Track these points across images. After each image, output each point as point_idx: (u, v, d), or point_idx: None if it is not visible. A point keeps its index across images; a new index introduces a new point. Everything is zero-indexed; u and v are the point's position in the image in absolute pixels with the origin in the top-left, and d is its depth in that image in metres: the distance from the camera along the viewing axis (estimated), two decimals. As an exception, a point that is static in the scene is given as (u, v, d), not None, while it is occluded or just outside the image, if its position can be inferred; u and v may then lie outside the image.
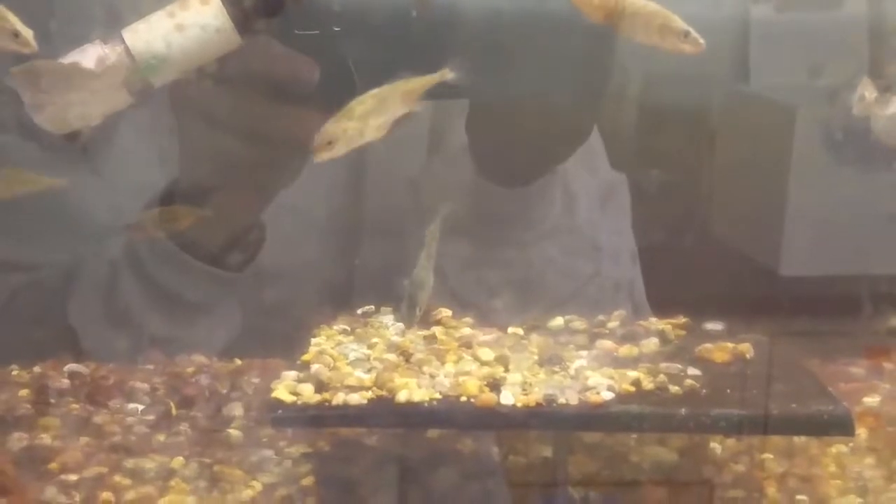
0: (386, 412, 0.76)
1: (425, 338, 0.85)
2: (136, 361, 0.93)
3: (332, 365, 0.80)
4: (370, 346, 0.83)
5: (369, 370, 0.79)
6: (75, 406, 0.87)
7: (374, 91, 0.77)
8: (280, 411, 0.76)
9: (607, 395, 0.77)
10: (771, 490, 0.83)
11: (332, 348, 0.83)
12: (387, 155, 1.03)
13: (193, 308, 0.96)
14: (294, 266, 1.03)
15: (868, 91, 0.85)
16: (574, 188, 1.04)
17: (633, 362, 0.82)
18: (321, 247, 1.05)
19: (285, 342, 0.91)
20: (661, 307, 0.96)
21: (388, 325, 0.87)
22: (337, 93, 0.83)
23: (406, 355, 0.82)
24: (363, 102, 0.77)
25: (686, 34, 0.75)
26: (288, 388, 0.77)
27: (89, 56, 0.76)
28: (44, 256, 1.03)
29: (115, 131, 0.99)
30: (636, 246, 1.10)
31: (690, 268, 1.12)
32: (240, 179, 0.91)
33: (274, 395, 0.76)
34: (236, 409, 0.86)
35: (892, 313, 0.95)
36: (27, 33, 0.74)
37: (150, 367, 0.92)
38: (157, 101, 0.82)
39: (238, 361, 0.94)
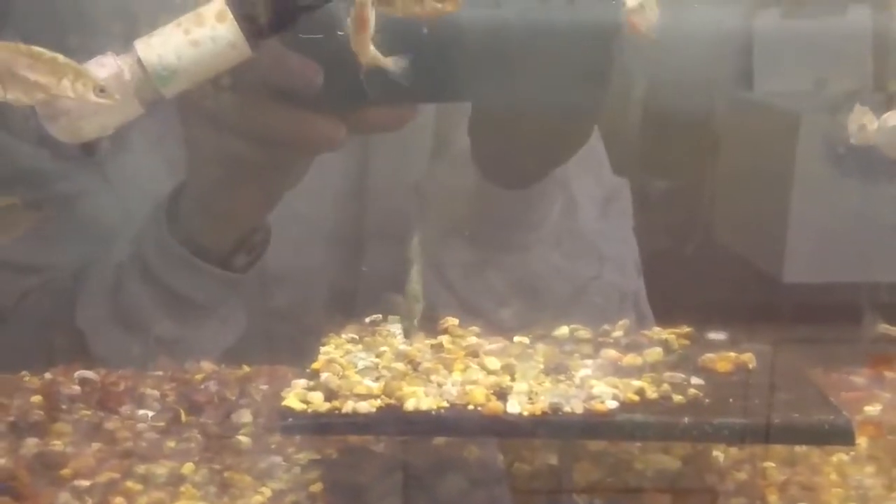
0: (394, 420, 0.77)
1: (433, 347, 0.86)
2: (144, 364, 0.94)
3: (341, 373, 0.81)
4: (378, 355, 0.84)
5: (378, 379, 0.80)
6: (86, 412, 0.88)
7: None
8: (291, 419, 0.76)
9: (612, 404, 0.78)
10: (772, 498, 0.84)
11: (341, 357, 0.84)
12: (390, 160, 1.04)
13: (199, 309, 0.97)
14: (300, 273, 1.04)
15: (868, 119, 0.86)
16: (575, 191, 1.05)
17: (637, 371, 0.83)
18: (327, 253, 1.06)
19: (292, 348, 0.92)
20: (664, 314, 0.97)
21: (396, 333, 0.88)
22: (345, 97, 0.84)
23: (414, 364, 0.83)
24: None
25: None
26: (298, 396, 0.78)
27: (104, 68, 0.77)
28: (53, 260, 1.03)
29: (125, 138, 0.99)
30: (639, 252, 1.10)
31: (693, 274, 1.13)
32: (245, 181, 0.92)
33: (285, 402, 0.77)
34: (245, 416, 0.87)
35: (881, 320, 0.96)
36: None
37: (160, 373, 0.93)
38: (166, 108, 0.83)
39: (246, 368, 0.95)
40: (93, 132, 0.79)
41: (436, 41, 0.78)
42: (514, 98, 0.87)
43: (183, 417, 0.87)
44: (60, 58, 0.73)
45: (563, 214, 1.04)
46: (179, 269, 0.96)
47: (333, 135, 0.86)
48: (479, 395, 0.78)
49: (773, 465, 0.86)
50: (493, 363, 0.83)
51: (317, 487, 0.81)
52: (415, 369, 0.82)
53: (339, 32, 0.80)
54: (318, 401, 0.78)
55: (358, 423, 0.77)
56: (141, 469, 0.82)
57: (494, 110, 0.92)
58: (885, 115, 0.92)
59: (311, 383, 0.80)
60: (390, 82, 0.80)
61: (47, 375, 0.92)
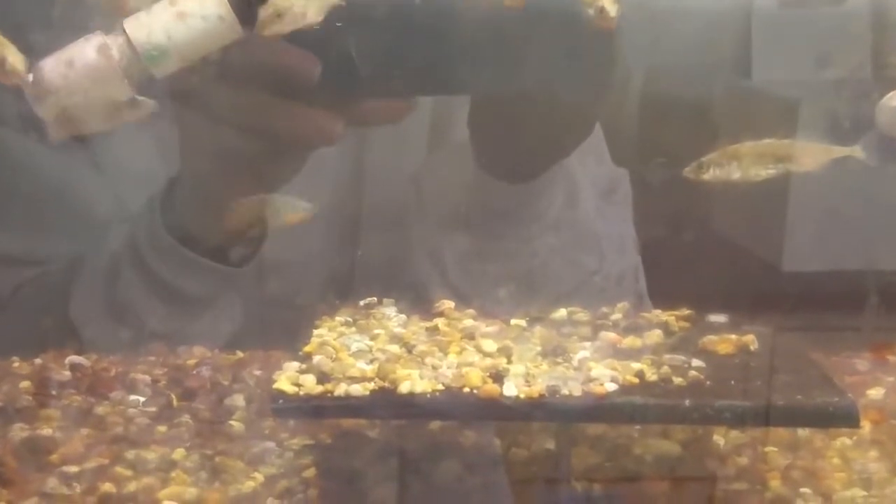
0: (388, 403, 0.76)
1: (428, 329, 0.85)
2: (138, 354, 0.93)
3: (334, 356, 0.80)
4: (372, 338, 0.84)
5: (371, 361, 0.79)
6: (76, 398, 0.87)
7: None
8: (282, 401, 0.75)
9: (611, 387, 0.77)
10: (774, 483, 0.83)
11: (335, 339, 0.83)
12: (388, 150, 1.04)
13: (195, 302, 0.96)
14: (296, 259, 1.03)
15: None
16: (577, 181, 1.04)
17: (636, 354, 0.82)
18: (323, 240, 1.05)
19: (287, 334, 0.91)
20: (665, 301, 0.96)
21: (391, 316, 0.87)
22: (343, 89, 0.83)
23: (408, 346, 0.82)
24: None
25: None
26: (290, 378, 0.77)
27: (91, 47, 0.75)
28: (45, 250, 1.03)
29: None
30: (639, 239, 1.10)
31: (694, 263, 1.12)
32: (241, 175, 0.91)
33: (276, 385, 0.76)
34: (238, 401, 0.86)
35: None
36: (16, 61, 0.74)
37: (152, 358, 0.93)
38: (157, 92, 0.82)
39: (240, 353, 0.94)
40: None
41: (434, 32, 0.78)
42: (515, 91, 0.86)
43: (175, 403, 0.86)
44: None
45: (564, 206, 1.03)
46: (174, 262, 0.95)
47: (331, 128, 0.86)
48: (475, 378, 0.77)
49: (774, 449, 0.85)
50: (490, 345, 0.82)
51: (310, 472, 0.81)
52: (409, 352, 0.81)
53: (338, 24, 0.79)
54: (310, 384, 0.77)
55: (351, 407, 0.76)
56: (131, 455, 0.81)
57: (494, 104, 0.91)
58: (887, 96, 0.91)
59: (303, 366, 0.79)
60: (389, 75, 0.79)
61: (37, 361, 0.91)
